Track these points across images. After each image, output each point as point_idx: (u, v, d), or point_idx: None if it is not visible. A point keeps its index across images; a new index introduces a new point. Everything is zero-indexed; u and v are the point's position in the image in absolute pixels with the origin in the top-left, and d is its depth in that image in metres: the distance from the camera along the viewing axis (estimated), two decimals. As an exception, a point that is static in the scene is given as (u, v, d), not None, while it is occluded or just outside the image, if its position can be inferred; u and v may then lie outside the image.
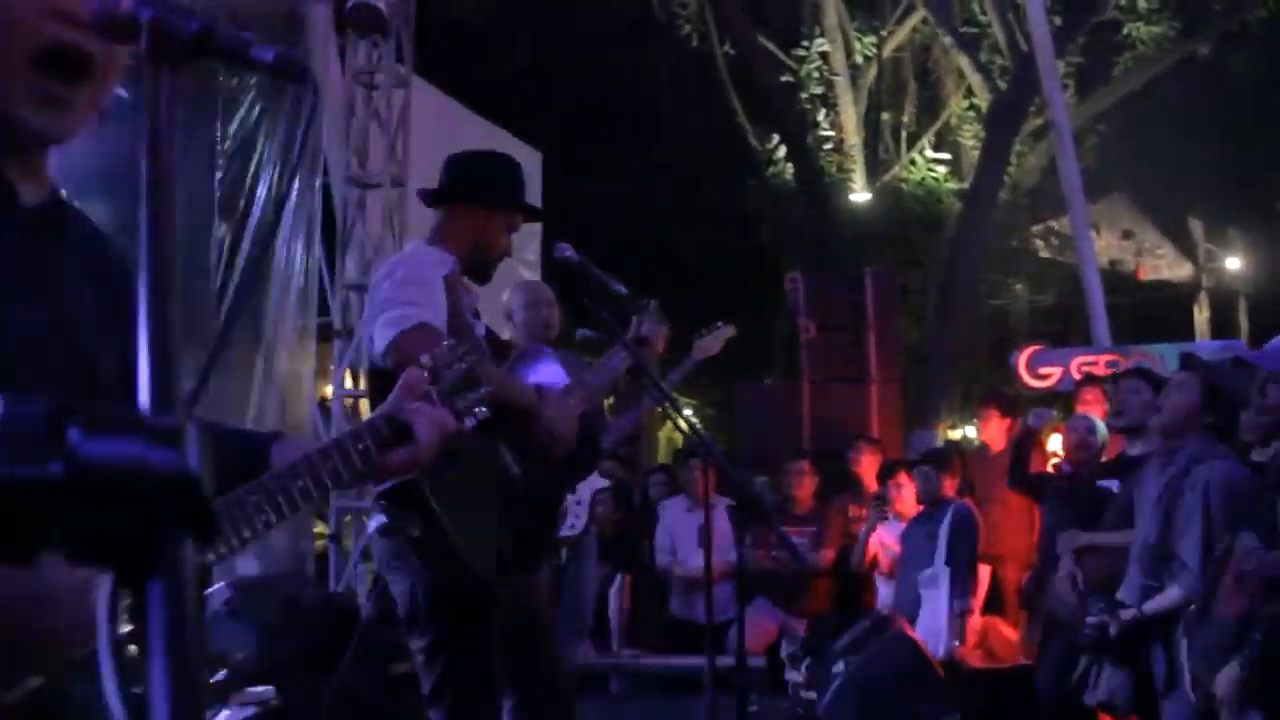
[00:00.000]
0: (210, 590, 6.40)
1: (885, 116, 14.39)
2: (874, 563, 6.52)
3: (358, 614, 7.00)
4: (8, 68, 1.19)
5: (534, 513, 3.19)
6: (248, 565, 7.81)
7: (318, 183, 7.78)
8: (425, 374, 1.84)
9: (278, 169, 7.81)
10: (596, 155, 17.26)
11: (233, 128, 7.97)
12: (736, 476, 3.33)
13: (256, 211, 7.84)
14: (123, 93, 1.32)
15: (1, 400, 0.56)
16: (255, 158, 7.92)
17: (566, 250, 3.26)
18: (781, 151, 13.99)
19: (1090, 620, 4.34)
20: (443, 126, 8.63)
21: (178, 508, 0.56)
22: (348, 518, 7.54)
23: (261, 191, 7.87)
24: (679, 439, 17.72)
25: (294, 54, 1.03)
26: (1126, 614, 4.20)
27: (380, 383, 3.07)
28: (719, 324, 4.19)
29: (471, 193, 3.32)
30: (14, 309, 1.21)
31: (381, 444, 1.66)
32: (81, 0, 1.16)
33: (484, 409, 1.93)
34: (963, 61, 14.22)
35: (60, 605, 1.01)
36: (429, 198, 3.43)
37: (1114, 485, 5.19)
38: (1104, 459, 5.58)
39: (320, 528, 8.19)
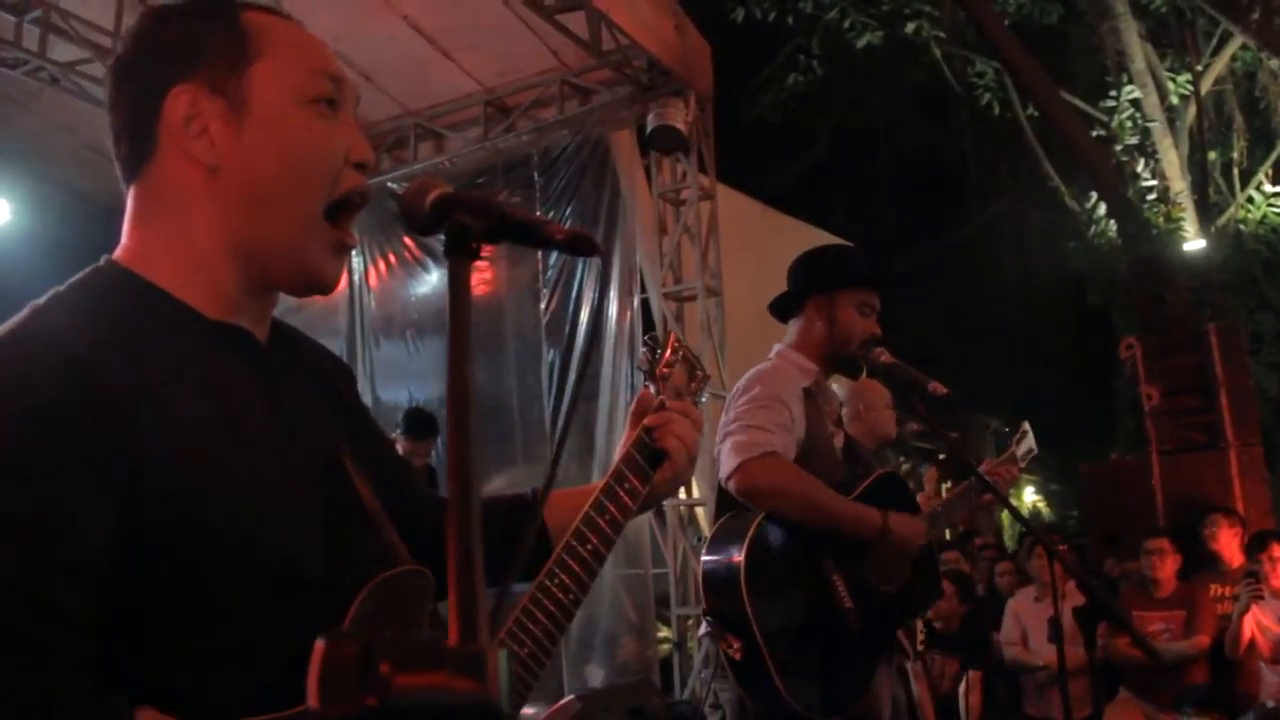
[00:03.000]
0: (562, 703, 6.67)
1: (1212, 156, 13.47)
2: (1251, 646, 5.96)
3: (705, 720, 7.10)
4: (309, 218, 1.29)
5: (863, 647, 3.07)
6: (595, 675, 8.10)
7: (636, 301, 8.11)
8: (649, 388, 1.79)
9: (596, 291, 8.23)
10: (908, 237, 17.11)
11: (554, 257, 8.49)
12: (1081, 574, 3.13)
13: (581, 334, 8.26)
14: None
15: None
16: (575, 284, 8.38)
17: (883, 355, 3.23)
18: (1102, 209, 13.35)
19: None
20: (752, 231, 8.86)
21: None
22: (690, 622, 7.67)
23: (584, 315, 8.29)
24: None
25: (583, 232, 1.13)
26: None
27: (725, 496, 3.13)
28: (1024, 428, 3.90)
29: (809, 285, 3.32)
30: (283, 452, 1.28)
31: (643, 477, 1.66)
32: (369, 150, 1.35)
33: (708, 381, 1.86)
34: (1295, 85, 13.18)
35: None
36: (777, 309, 3.43)
37: None
38: None
39: (665, 632, 8.37)
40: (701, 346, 7.68)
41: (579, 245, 1.12)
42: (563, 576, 1.56)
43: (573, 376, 8.19)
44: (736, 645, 2.96)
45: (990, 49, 13.63)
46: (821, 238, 10.27)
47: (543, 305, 8.46)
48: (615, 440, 8.20)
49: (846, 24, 14.69)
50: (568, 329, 8.31)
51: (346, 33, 7.80)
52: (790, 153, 18.37)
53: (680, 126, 7.50)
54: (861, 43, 14.73)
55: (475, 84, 8.35)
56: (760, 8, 14.54)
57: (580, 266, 8.36)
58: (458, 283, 1.00)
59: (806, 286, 3.32)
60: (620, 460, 1.68)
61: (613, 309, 8.23)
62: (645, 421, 1.70)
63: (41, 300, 1.22)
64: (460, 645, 0.66)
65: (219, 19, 1.31)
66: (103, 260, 1.30)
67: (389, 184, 8.72)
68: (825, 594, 2.99)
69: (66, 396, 1.10)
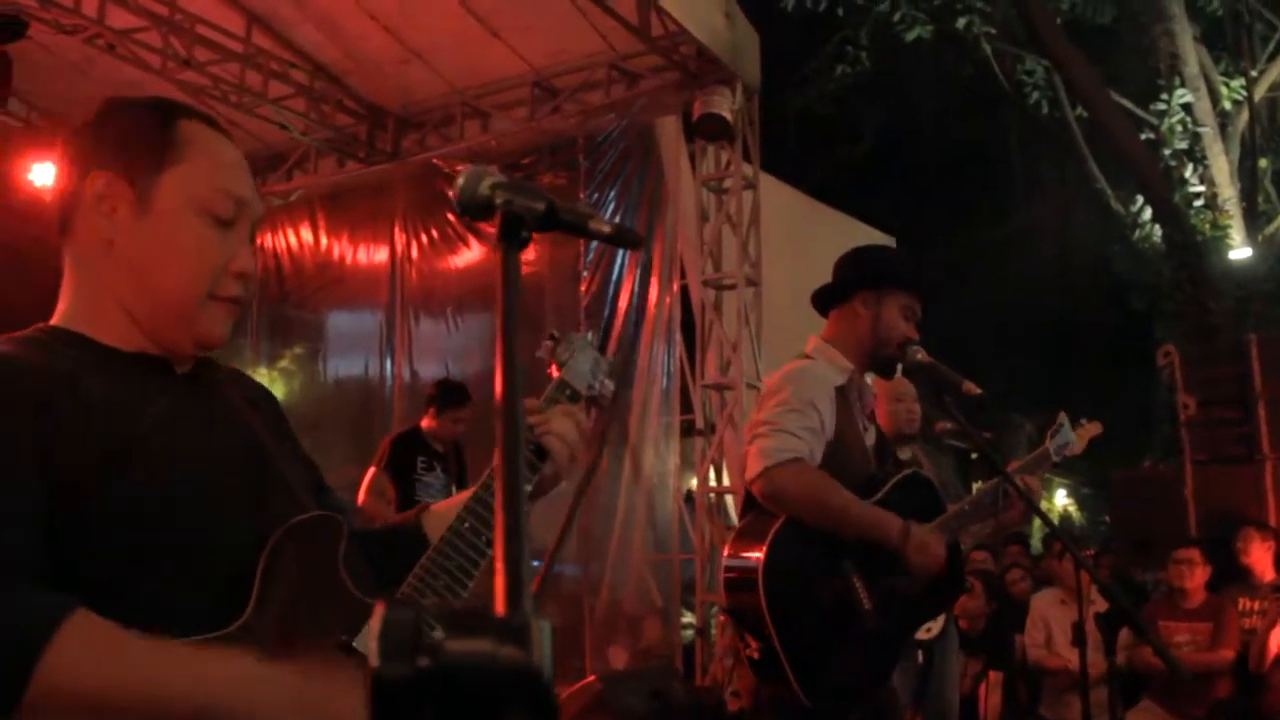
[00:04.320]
0: (584, 682, 6.74)
1: (1263, 164, 13.31)
2: (1276, 662, 5.94)
3: (723, 707, 7.15)
4: (189, 300, 1.52)
5: (879, 646, 3.08)
6: (618, 656, 8.17)
7: (675, 286, 8.14)
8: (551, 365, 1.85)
9: (638, 277, 8.27)
10: (950, 233, 17.01)
11: (593, 241, 8.52)
12: (1106, 585, 3.13)
13: (619, 318, 8.31)
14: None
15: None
16: (616, 268, 8.42)
17: (918, 354, 3.24)
18: (1147, 213, 13.23)
19: None
20: (793, 221, 8.85)
21: (525, 700, 0.66)
22: (714, 609, 7.72)
23: (623, 300, 8.34)
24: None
25: (628, 227, 1.24)
26: None
27: (750, 501, 3.15)
28: (1082, 421, 3.91)
29: (859, 279, 3.31)
30: (199, 444, 1.50)
31: (530, 468, 1.73)
32: (251, 263, 1.57)
33: (610, 384, 1.88)
34: (1352, 95, 13.00)
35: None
36: (820, 300, 3.43)
37: None
38: None
39: (689, 617, 8.42)
40: (738, 335, 7.71)
41: (624, 238, 1.23)
42: (439, 557, 1.62)
43: (608, 361, 8.25)
44: (755, 645, 3.00)
45: (1040, 46, 13.53)
46: (863, 230, 10.26)
47: (583, 288, 8.51)
48: (650, 427, 8.27)
49: (896, 17, 14.61)
50: (606, 312, 8.36)
51: (400, 11, 7.87)
52: (835, 144, 18.31)
53: (727, 115, 7.50)
54: (911, 36, 14.64)
55: (524, 64, 8.38)
56: (811, -4, 14.50)
57: (622, 251, 8.39)
58: (508, 268, 1.07)
59: (858, 279, 3.32)
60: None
61: (652, 295, 8.27)
62: (528, 419, 1.75)
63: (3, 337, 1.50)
64: (507, 616, 0.71)
65: (157, 123, 1.54)
66: (38, 326, 1.55)
67: (434, 160, 8.79)
68: (844, 595, 3.01)
69: (20, 389, 1.37)
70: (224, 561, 1.43)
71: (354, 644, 1.45)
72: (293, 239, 9.92)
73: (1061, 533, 3.22)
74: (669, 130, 8.31)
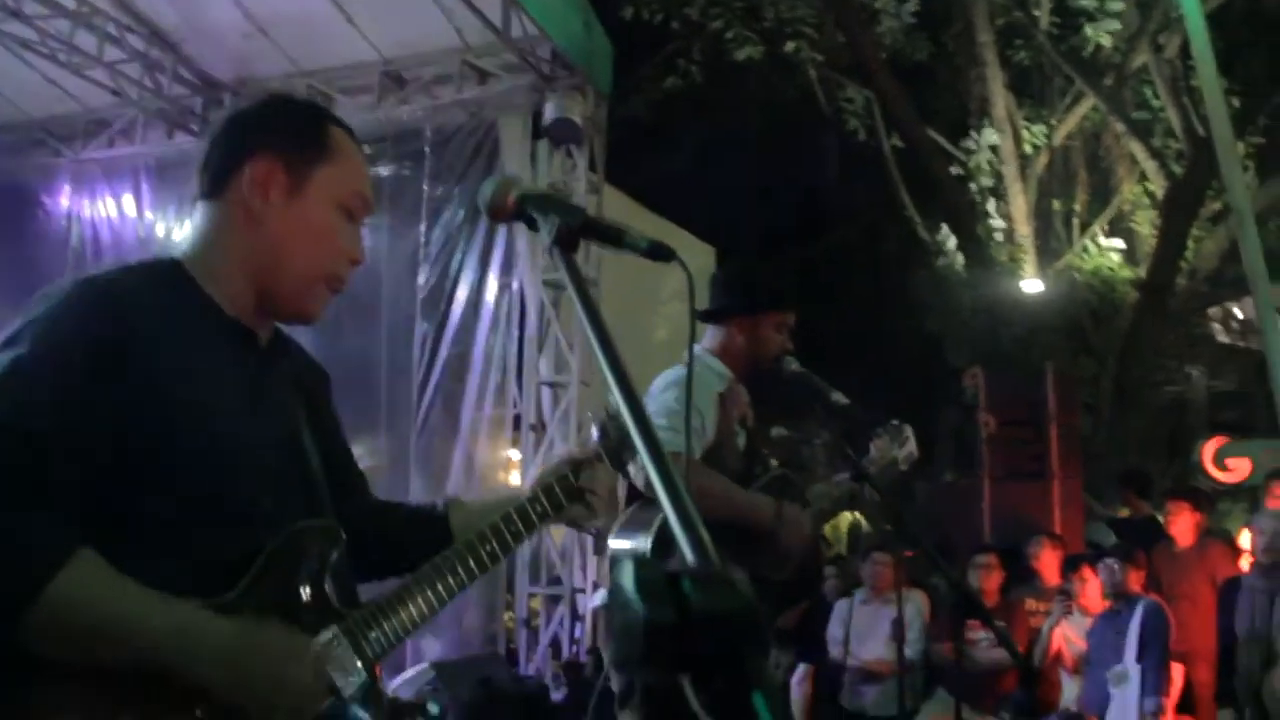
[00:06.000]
0: (414, 671, 6.79)
1: (1056, 205, 14.33)
2: (1057, 658, 6.51)
3: (547, 698, 7.32)
4: (310, 281, 1.76)
5: None
6: (431, 647, 8.23)
7: (515, 284, 8.26)
8: (595, 431, 2.10)
9: (476, 272, 8.35)
10: (763, 247, 17.57)
11: (435, 233, 8.57)
12: (956, 582, 3.44)
13: (456, 312, 8.37)
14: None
15: (634, 564, 0.84)
16: (455, 262, 8.48)
17: (793, 365, 3.49)
18: (952, 242, 14.06)
19: None
20: (639, 222, 9.08)
21: (753, 639, 0.82)
22: (536, 602, 7.88)
23: (460, 294, 8.40)
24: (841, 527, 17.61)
25: (661, 243, 1.41)
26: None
27: (633, 493, 3.32)
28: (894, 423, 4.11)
29: (738, 305, 3.54)
30: (250, 423, 1.67)
31: (556, 507, 1.98)
32: (362, 252, 1.81)
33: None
34: (1135, 148, 14.08)
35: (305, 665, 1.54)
36: (702, 315, 3.60)
37: None
38: None
39: (509, 612, 8.55)
40: (575, 334, 7.90)
41: (658, 252, 1.40)
42: (455, 562, 1.82)
43: (444, 353, 8.29)
44: None
45: (864, 77, 14.20)
46: (690, 241, 10.61)
47: (420, 279, 8.53)
48: (482, 419, 8.35)
49: (729, 35, 15.06)
50: (443, 306, 8.41)
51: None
52: (657, 154, 18.65)
53: (577, 120, 7.70)
54: (741, 55, 15.12)
55: (374, 52, 8.37)
56: (649, 8, 14.79)
57: (461, 245, 8.46)
58: (575, 273, 1.33)
59: (733, 307, 3.56)
60: (543, 486, 1.99)
61: (489, 290, 8.37)
62: (577, 458, 2.03)
63: (127, 264, 1.72)
64: (719, 570, 0.88)
65: (316, 123, 1.78)
66: (168, 257, 1.75)
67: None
68: None
69: (111, 320, 1.53)
70: (236, 537, 1.59)
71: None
72: (112, 210, 9.56)
73: (910, 536, 3.51)
74: (514, 130, 8.43)
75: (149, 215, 9.40)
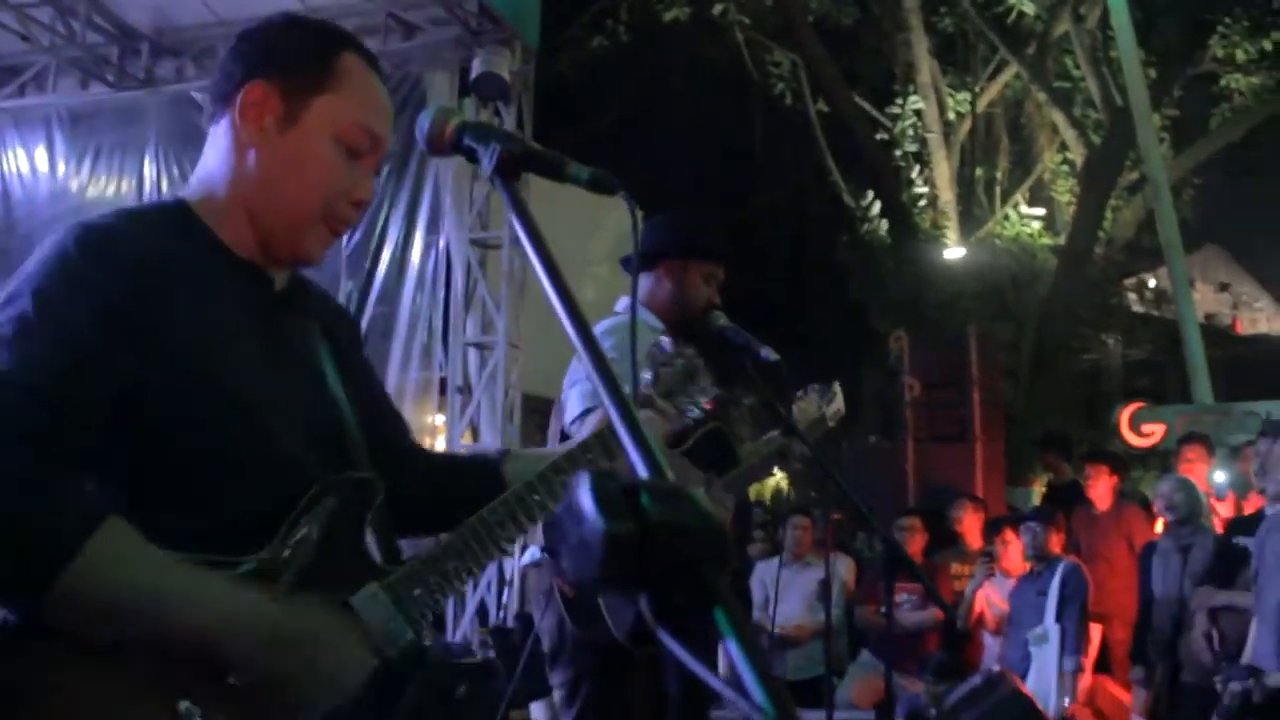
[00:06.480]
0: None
1: (979, 172, 14.52)
2: (980, 620, 6.63)
3: (477, 664, 7.26)
4: (305, 217, 1.62)
5: None
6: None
7: (441, 242, 8.11)
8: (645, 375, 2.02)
9: (402, 230, 8.19)
10: (690, 210, 17.55)
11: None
12: (891, 542, 3.45)
13: (381, 270, 8.21)
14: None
15: (589, 479, 0.80)
16: (380, 219, 8.30)
17: (720, 319, 3.45)
18: (876, 208, 14.18)
19: (1234, 688, 4.31)
20: (555, 186, 8.98)
21: (713, 551, 0.79)
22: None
23: (386, 252, 8.24)
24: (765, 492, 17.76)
25: (604, 173, 1.37)
26: (1273, 680, 4.19)
27: (569, 441, 3.28)
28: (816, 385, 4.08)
29: (669, 249, 3.46)
30: (273, 371, 1.57)
31: (609, 455, 1.85)
32: (369, 193, 1.68)
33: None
34: (1056, 117, 14.33)
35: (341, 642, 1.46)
36: (625, 264, 3.57)
37: (1251, 543, 5.05)
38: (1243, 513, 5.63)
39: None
40: (502, 294, 7.79)
41: (600, 184, 1.36)
42: (502, 514, 1.70)
43: (369, 311, 8.13)
44: (570, 585, 3.14)
45: (791, 41, 14.21)
46: (617, 203, 10.52)
47: (344, 237, 8.34)
48: (410, 379, 8.20)
49: (658, -4, 14.99)
50: (368, 264, 8.23)
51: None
52: (584, 113, 18.53)
53: (505, 75, 7.55)
54: (668, 17, 15.05)
55: (296, 2, 8.11)
56: (578, -35, 14.65)
57: (385, 203, 8.28)
58: (518, 202, 1.27)
59: (663, 250, 3.50)
60: (594, 433, 1.89)
61: (415, 249, 8.21)
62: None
63: (126, 209, 1.60)
64: (678, 487, 0.84)
65: (321, 50, 1.64)
66: (174, 197, 1.65)
67: (193, 93, 8.39)
68: None
69: (116, 269, 1.44)
70: (266, 490, 1.49)
71: (351, 602, 1.53)
72: (23, 163, 9.20)
73: (849, 500, 3.49)
74: (441, 85, 8.23)
75: (62, 168, 9.04)
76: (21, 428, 1.32)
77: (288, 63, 1.61)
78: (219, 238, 1.60)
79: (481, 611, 7.73)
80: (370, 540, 1.57)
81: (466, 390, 7.75)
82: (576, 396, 3.21)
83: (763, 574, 7.30)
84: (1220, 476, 6.75)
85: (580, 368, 3.30)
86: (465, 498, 1.75)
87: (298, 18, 1.72)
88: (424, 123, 1.41)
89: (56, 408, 1.35)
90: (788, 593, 7.02)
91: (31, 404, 1.33)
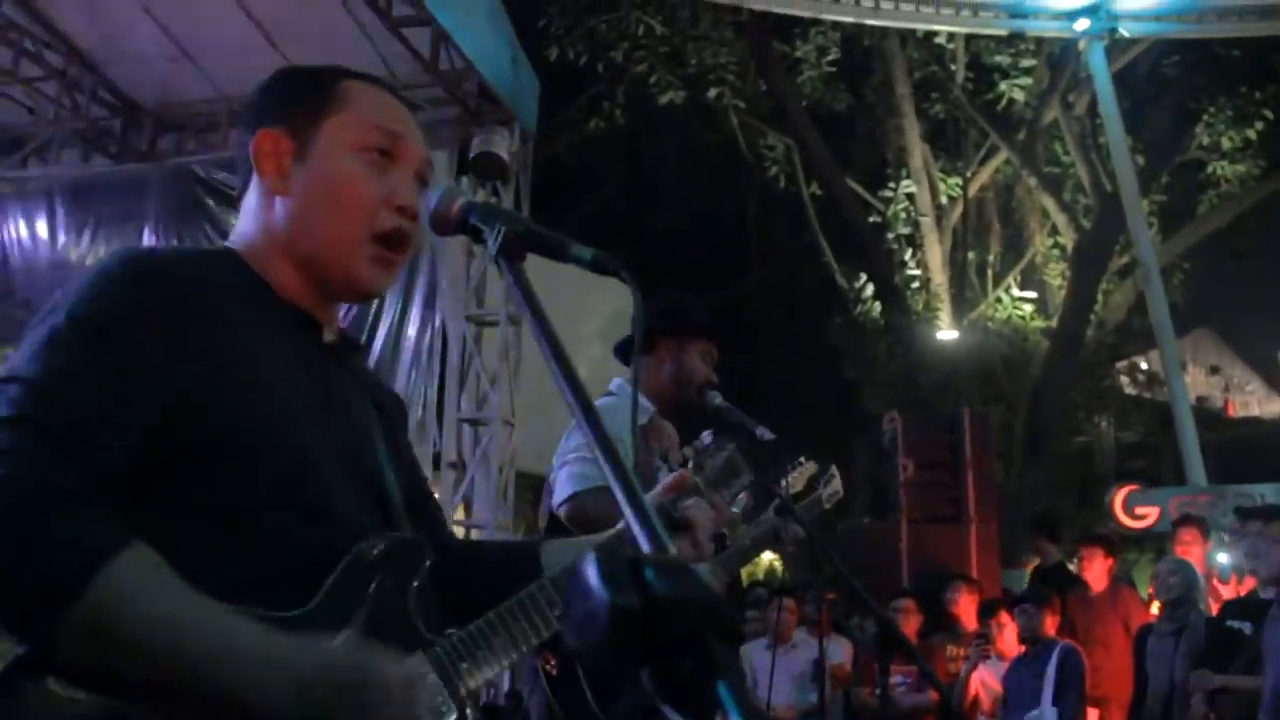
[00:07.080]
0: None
1: (970, 255, 14.67)
2: (975, 702, 6.55)
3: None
4: (350, 242, 1.54)
5: None
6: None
7: (437, 319, 8.15)
8: (689, 467, 1.96)
9: (399, 305, 8.23)
10: (682, 289, 17.67)
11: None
12: (881, 612, 3.42)
13: (377, 345, 8.23)
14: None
15: (594, 552, 0.81)
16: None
17: (717, 399, 3.45)
18: (869, 290, 14.29)
19: None
20: (552, 265, 9.05)
21: (717, 622, 0.79)
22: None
23: (382, 327, 8.27)
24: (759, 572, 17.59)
25: (606, 255, 1.33)
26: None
27: (554, 525, 3.26)
28: (800, 461, 4.08)
29: (666, 328, 3.45)
30: (321, 419, 1.48)
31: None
32: (411, 198, 1.59)
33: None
34: (1047, 201, 14.52)
35: (393, 694, 1.28)
36: (621, 348, 3.52)
37: (1246, 627, 5.10)
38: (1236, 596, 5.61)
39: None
40: (499, 371, 7.82)
41: (603, 265, 1.33)
42: (544, 597, 1.58)
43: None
44: (554, 662, 3.10)
45: (784, 124, 14.43)
46: (613, 282, 10.58)
47: (340, 313, 8.36)
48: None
49: (652, 80, 15.21)
50: (363, 339, 8.26)
51: (176, 5, 7.61)
52: (580, 194, 18.74)
53: (504, 155, 7.65)
54: (664, 100, 15.28)
55: (296, 76, 8.25)
56: (575, 49, 14.89)
57: (383, 279, 8.33)
58: (523, 282, 1.26)
59: (660, 329, 3.52)
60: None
61: (413, 326, 8.25)
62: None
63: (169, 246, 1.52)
64: (681, 561, 0.85)
65: (319, 79, 1.60)
66: (221, 245, 1.62)
67: (194, 168, 8.48)
68: None
69: (160, 295, 1.38)
70: (312, 540, 1.39)
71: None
72: (25, 231, 9.26)
73: (845, 580, 3.47)
74: (440, 164, 8.35)
75: (62, 239, 9.10)
76: (48, 441, 1.25)
77: (289, 104, 1.59)
78: (264, 280, 1.54)
79: (471, 690, 7.63)
80: (415, 605, 1.47)
81: (460, 466, 7.74)
82: (565, 478, 3.19)
83: (750, 657, 7.21)
84: (1223, 558, 6.73)
85: (569, 447, 3.30)
86: (504, 586, 1.61)
87: (291, 67, 1.68)
88: (431, 201, 1.42)
89: (82, 420, 1.28)
90: (776, 675, 6.94)
91: (56, 412, 1.27)
